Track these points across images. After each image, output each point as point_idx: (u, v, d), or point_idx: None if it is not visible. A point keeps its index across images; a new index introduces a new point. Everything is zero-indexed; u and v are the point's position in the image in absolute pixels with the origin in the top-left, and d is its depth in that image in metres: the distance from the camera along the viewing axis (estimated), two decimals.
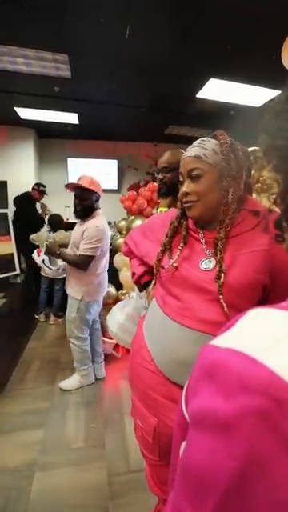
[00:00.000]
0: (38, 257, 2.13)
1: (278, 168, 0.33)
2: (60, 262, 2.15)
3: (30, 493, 1.42)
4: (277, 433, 0.21)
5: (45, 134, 5.22)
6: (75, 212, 2.04)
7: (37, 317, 3.45)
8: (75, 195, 2.00)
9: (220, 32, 2.32)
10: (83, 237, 1.94)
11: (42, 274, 3.10)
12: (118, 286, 3.01)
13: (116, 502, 1.39)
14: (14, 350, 2.72)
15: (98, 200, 2.03)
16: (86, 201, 1.97)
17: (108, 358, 2.64)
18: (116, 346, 2.70)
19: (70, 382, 2.24)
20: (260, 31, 2.28)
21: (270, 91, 3.24)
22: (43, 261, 2.10)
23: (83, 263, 1.96)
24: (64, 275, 2.55)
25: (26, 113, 4.12)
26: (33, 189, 4.06)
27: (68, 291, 2.13)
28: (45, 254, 2.06)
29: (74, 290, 2.10)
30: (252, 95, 3.38)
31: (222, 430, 0.23)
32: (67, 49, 2.57)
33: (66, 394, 2.17)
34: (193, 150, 0.80)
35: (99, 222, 1.99)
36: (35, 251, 2.15)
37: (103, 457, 1.64)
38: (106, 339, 2.62)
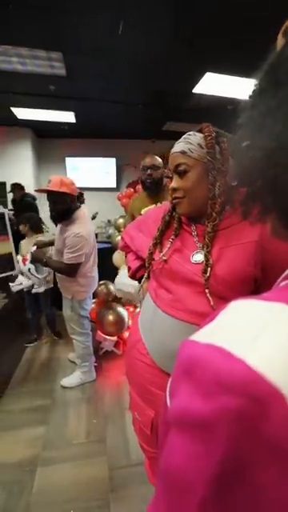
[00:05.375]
0: (24, 266, 2.00)
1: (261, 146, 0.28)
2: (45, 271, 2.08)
3: (33, 487, 1.44)
4: (256, 434, 0.19)
5: (42, 133, 5.22)
6: (51, 217, 1.96)
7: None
8: (48, 199, 1.89)
9: (216, 24, 2.31)
10: (65, 245, 1.89)
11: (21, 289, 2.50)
12: None
13: (117, 494, 1.41)
14: (16, 349, 2.74)
15: (73, 201, 1.93)
16: (59, 204, 1.87)
17: (109, 355, 2.66)
18: (117, 343, 2.72)
19: (71, 379, 2.26)
20: (258, 22, 2.25)
21: None
22: (29, 269, 1.99)
23: (70, 271, 1.94)
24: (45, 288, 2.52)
25: (22, 113, 4.12)
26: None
27: (60, 289, 2.14)
28: (31, 262, 1.97)
29: (64, 290, 2.10)
30: (249, 89, 3.35)
31: (199, 431, 0.22)
32: (61, 46, 2.57)
33: (68, 391, 2.19)
34: (178, 146, 0.80)
35: (79, 227, 1.90)
36: (20, 260, 2.02)
37: (104, 451, 1.66)
38: (107, 337, 2.64)
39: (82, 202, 5.12)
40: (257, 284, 0.78)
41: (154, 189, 1.96)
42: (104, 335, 2.64)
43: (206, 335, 0.26)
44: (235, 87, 3.32)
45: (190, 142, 0.79)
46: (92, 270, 2.12)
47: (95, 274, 2.18)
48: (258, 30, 2.28)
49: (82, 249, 1.89)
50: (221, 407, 0.20)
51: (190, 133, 0.81)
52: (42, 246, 2.27)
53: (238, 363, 0.21)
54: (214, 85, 3.31)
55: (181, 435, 0.24)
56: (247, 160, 0.30)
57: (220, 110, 3.86)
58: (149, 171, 1.91)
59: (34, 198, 4.17)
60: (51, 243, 2.24)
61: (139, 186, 2.93)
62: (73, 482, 1.48)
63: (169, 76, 3.17)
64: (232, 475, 0.20)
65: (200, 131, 0.81)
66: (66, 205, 1.89)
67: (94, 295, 2.45)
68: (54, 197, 1.86)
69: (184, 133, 0.82)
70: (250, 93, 0.31)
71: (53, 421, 1.90)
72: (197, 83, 3.30)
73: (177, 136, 0.86)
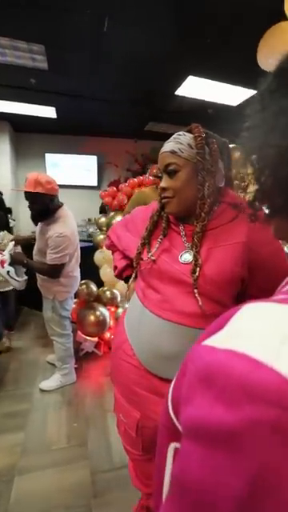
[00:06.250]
0: (2, 268, 1.92)
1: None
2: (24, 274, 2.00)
3: (10, 497, 1.38)
4: None
5: (21, 127, 5.03)
6: (31, 216, 1.89)
7: None
8: (26, 199, 1.82)
9: (199, 29, 2.34)
10: (48, 245, 1.83)
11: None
12: (99, 284, 2.97)
13: (99, 500, 1.38)
14: None
15: (53, 200, 1.86)
16: (36, 204, 1.81)
17: (89, 356, 2.62)
18: (97, 344, 2.68)
19: (51, 382, 2.19)
20: (237, 30, 2.31)
21: (246, 91, 3.32)
22: (8, 272, 1.90)
23: (53, 272, 1.88)
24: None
25: (0, 105, 3.95)
26: None
27: (40, 289, 2.06)
28: (10, 264, 1.88)
29: (45, 290, 2.03)
30: (229, 94, 3.45)
31: (224, 443, 0.20)
32: (43, 39, 2.48)
33: (47, 395, 2.12)
34: (168, 145, 0.80)
35: (62, 226, 1.85)
36: None
37: (86, 456, 1.62)
38: (87, 337, 2.59)
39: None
40: (244, 284, 0.79)
41: None
42: (85, 336, 2.59)
43: (222, 340, 0.25)
44: (216, 92, 3.39)
45: (179, 141, 0.79)
46: (74, 269, 2.06)
47: (77, 273, 2.13)
48: (236, 38, 2.35)
49: (66, 249, 1.84)
50: (250, 418, 0.19)
51: (180, 133, 0.81)
52: (20, 241, 2.17)
53: (267, 370, 0.20)
54: (195, 88, 3.36)
55: (198, 447, 0.22)
56: (259, 159, 0.30)
57: (201, 113, 3.93)
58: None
59: (1, 193, 4.01)
60: (30, 239, 2.16)
61: (122, 186, 2.91)
62: (54, 488, 1.43)
63: (152, 76, 3.17)
64: (262, 490, 0.18)
65: (190, 131, 0.81)
66: (43, 205, 1.82)
67: (75, 295, 2.40)
68: (30, 197, 1.79)
69: (166, 134, 0.83)
70: (258, 97, 0.31)
71: (32, 426, 1.83)
72: (179, 86, 3.33)
73: (158, 136, 0.86)
